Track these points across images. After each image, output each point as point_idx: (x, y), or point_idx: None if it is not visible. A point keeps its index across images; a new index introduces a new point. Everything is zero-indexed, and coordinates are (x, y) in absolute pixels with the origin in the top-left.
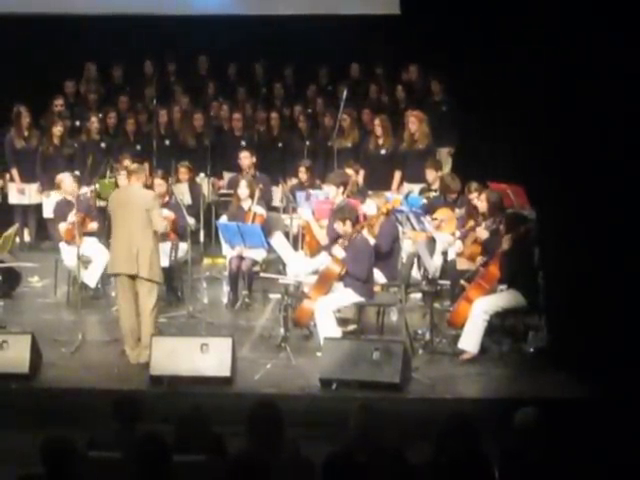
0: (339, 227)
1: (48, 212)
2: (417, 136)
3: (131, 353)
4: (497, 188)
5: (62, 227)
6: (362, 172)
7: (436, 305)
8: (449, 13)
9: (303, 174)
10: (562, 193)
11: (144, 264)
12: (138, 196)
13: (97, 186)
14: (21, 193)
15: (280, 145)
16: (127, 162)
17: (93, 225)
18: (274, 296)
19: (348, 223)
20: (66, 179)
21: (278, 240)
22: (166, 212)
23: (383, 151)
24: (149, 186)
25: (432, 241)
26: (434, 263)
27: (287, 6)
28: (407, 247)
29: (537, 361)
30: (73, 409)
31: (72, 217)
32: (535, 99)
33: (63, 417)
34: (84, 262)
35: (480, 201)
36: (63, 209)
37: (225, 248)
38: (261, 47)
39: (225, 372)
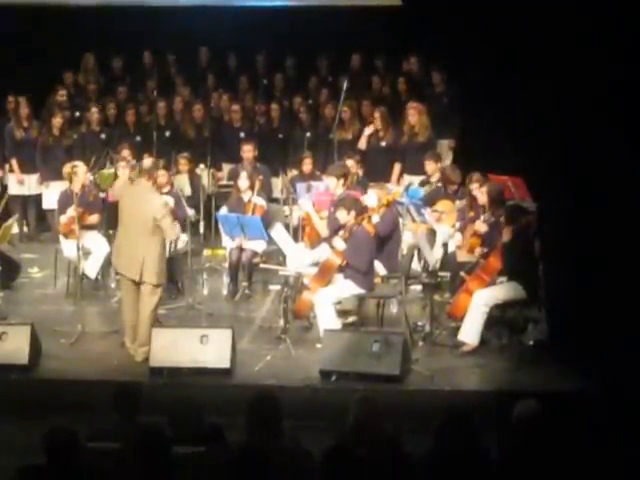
0: (342, 216)
1: (48, 203)
2: (417, 128)
3: (131, 346)
4: (497, 180)
5: (61, 220)
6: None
7: (436, 297)
8: (450, 3)
9: (308, 165)
10: (563, 185)
11: (151, 270)
12: (147, 202)
13: (96, 177)
14: (21, 184)
15: (280, 136)
16: (125, 152)
17: (93, 218)
18: (274, 287)
19: (352, 213)
20: (80, 169)
21: (278, 232)
22: (167, 198)
23: (383, 143)
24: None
25: (432, 233)
26: (434, 255)
27: None
28: (407, 239)
29: (537, 353)
30: (72, 400)
31: (71, 211)
32: (536, 91)
33: (62, 408)
34: (84, 253)
35: (480, 193)
36: (66, 200)
37: (225, 239)
38: (262, 38)
39: (225, 363)
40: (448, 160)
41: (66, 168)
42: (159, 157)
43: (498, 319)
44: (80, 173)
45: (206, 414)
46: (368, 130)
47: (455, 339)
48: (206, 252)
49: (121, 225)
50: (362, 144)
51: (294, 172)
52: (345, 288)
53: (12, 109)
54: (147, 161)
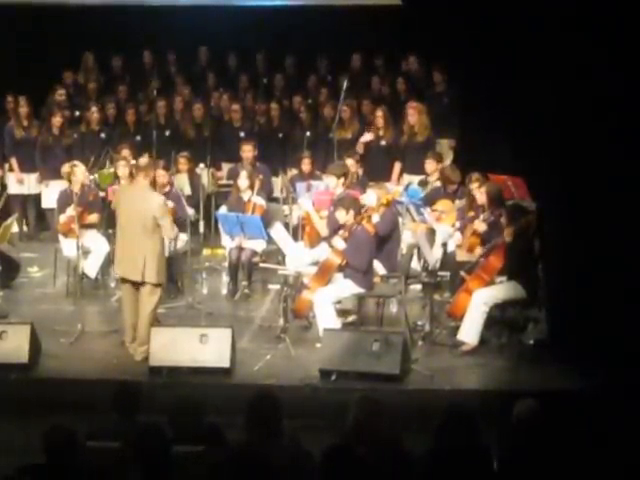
0: (341, 216)
1: (47, 202)
2: (417, 128)
3: (130, 345)
4: (497, 180)
5: (60, 220)
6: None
7: (436, 296)
8: (450, 3)
9: (307, 165)
10: (563, 185)
11: (151, 269)
12: (146, 201)
13: (96, 176)
14: (20, 183)
15: (280, 136)
16: (125, 152)
17: (93, 217)
18: (274, 287)
19: (351, 213)
20: (78, 168)
21: (278, 231)
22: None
23: (383, 142)
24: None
25: (432, 232)
26: (434, 254)
27: None
28: (407, 238)
29: (536, 353)
30: (72, 399)
31: (70, 211)
32: (536, 91)
33: (62, 407)
34: (83, 253)
35: (479, 193)
36: (66, 199)
37: (225, 239)
38: (262, 38)
39: (224, 363)
40: (448, 160)
41: (65, 168)
42: (159, 156)
43: (498, 319)
44: (78, 173)
45: (205, 413)
46: (367, 137)
47: (455, 338)
48: (206, 251)
49: (120, 228)
50: (360, 149)
51: (294, 171)
52: (345, 287)
53: (12, 108)
54: (143, 159)
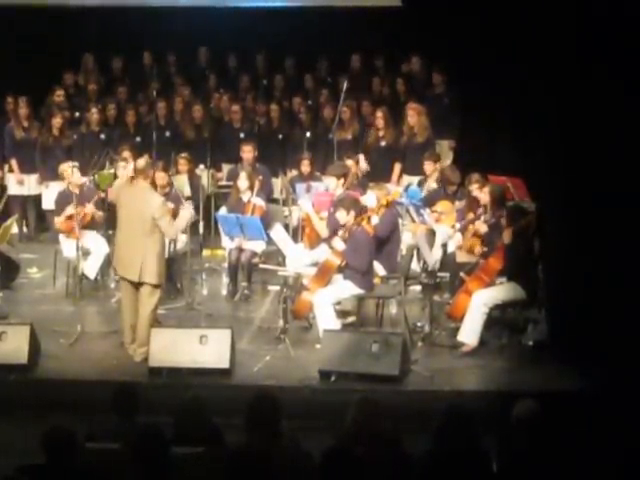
0: (342, 216)
1: (47, 203)
2: (416, 129)
3: (130, 346)
4: (497, 181)
5: (59, 220)
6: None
7: (435, 297)
8: (450, 4)
9: (307, 167)
10: (563, 185)
11: (150, 270)
12: (145, 202)
13: (96, 177)
14: (20, 184)
15: (280, 137)
16: (126, 153)
17: (98, 214)
18: (273, 288)
19: (352, 213)
20: (72, 168)
21: (277, 232)
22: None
23: (383, 143)
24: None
25: (432, 233)
26: (433, 255)
27: None
28: (407, 239)
29: (536, 354)
30: (72, 400)
31: (70, 210)
32: (536, 91)
33: (61, 408)
34: (83, 254)
35: (482, 194)
36: (65, 199)
37: (224, 240)
38: (261, 38)
39: (224, 364)
40: (449, 160)
41: (62, 166)
42: (159, 157)
43: (498, 319)
44: (70, 173)
45: (209, 415)
46: (363, 164)
47: (454, 339)
48: (205, 252)
49: (119, 228)
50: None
51: (293, 172)
52: (344, 288)
53: (12, 109)
54: (141, 160)
